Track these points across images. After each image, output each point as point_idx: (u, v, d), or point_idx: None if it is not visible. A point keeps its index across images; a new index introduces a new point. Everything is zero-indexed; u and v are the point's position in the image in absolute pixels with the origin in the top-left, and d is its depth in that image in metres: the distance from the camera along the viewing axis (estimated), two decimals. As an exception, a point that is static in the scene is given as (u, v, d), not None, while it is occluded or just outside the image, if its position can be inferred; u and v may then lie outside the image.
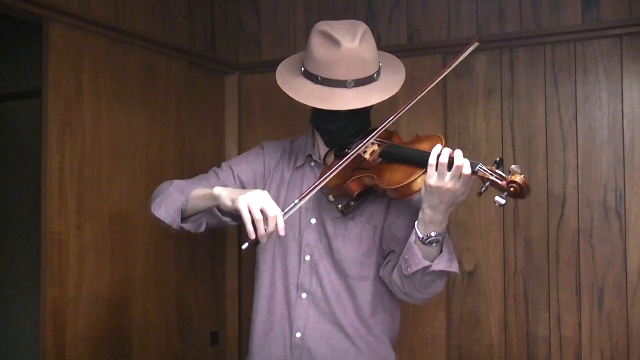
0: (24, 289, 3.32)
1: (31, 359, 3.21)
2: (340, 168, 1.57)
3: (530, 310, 2.39)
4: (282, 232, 1.48)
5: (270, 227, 1.46)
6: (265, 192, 1.52)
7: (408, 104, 1.61)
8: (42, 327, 2.02)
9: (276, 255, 1.76)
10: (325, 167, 1.72)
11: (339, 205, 1.68)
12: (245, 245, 1.48)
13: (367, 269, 1.70)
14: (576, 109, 2.35)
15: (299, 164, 1.81)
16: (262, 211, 1.47)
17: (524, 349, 2.39)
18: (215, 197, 1.61)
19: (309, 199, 1.72)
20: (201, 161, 2.69)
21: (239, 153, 2.83)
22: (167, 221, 1.72)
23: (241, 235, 2.81)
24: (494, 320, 2.44)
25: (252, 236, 1.47)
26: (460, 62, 2.50)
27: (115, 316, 2.25)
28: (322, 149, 1.78)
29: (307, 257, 1.72)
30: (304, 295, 1.71)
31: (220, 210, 1.68)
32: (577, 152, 2.34)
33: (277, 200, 1.77)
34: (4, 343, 3.41)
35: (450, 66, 1.60)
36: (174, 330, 2.50)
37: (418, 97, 1.62)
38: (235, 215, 1.80)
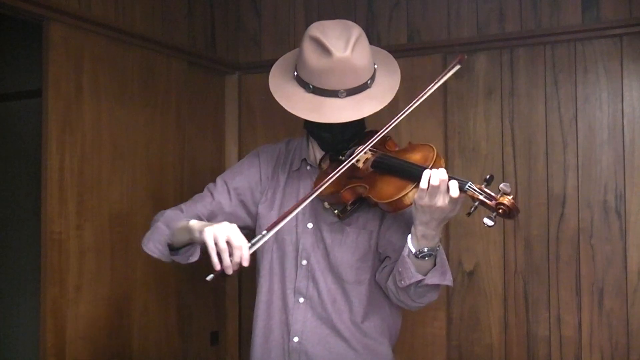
0: (24, 289, 3.32)
1: (31, 359, 3.21)
2: (323, 187, 1.56)
3: (530, 310, 2.39)
4: (245, 263, 1.45)
5: (236, 258, 1.45)
6: (234, 225, 1.50)
7: (395, 120, 1.57)
8: (42, 327, 2.02)
9: (274, 260, 1.75)
10: (321, 172, 1.72)
11: (336, 211, 1.67)
12: (210, 277, 1.47)
13: (363, 274, 1.70)
14: (576, 109, 2.35)
15: (294, 168, 1.80)
16: (228, 242, 1.46)
17: (524, 349, 2.39)
18: (189, 230, 1.61)
19: (304, 206, 1.73)
20: (201, 161, 2.69)
21: (239, 153, 2.83)
22: (156, 256, 1.72)
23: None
24: (494, 320, 2.44)
25: (217, 267, 1.46)
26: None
27: (115, 316, 2.25)
28: (318, 153, 1.77)
29: (304, 262, 1.71)
30: (301, 299, 1.70)
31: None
32: (577, 152, 2.34)
33: (272, 205, 1.77)
34: (4, 343, 3.41)
35: (434, 85, 1.57)
36: (174, 330, 2.50)
37: (400, 117, 1.58)
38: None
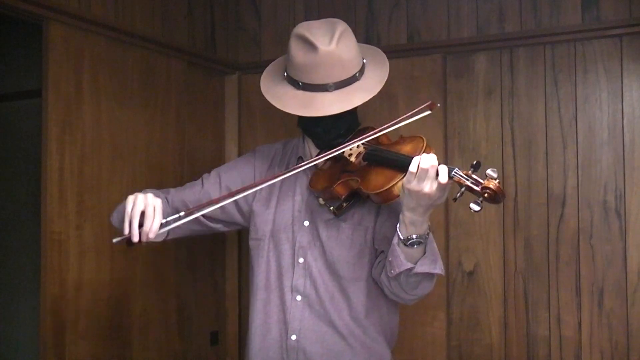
0: (24, 289, 3.32)
1: (31, 359, 3.21)
2: (294, 172, 1.62)
3: (530, 310, 2.39)
4: (151, 235, 1.53)
5: (144, 227, 1.52)
6: (158, 200, 1.57)
7: (385, 128, 1.61)
8: (42, 327, 2.02)
9: (270, 258, 1.76)
10: (316, 169, 1.73)
11: (331, 207, 1.69)
12: (116, 240, 1.55)
13: (360, 270, 1.70)
14: (576, 109, 2.35)
15: (291, 167, 1.81)
16: (142, 212, 1.53)
17: (524, 349, 2.39)
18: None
19: (303, 201, 1.74)
20: (201, 161, 2.69)
21: (239, 153, 2.83)
22: (118, 227, 1.74)
23: (241, 236, 2.81)
24: (494, 320, 2.44)
25: (126, 231, 1.53)
26: (460, 61, 2.52)
27: (115, 316, 2.25)
28: (314, 151, 1.78)
29: (301, 260, 1.72)
30: (298, 297, 1.70)
31: (205, 217, 1.77)
32: (577, 152, 2.34)
33: (269, 203, 1.78)
34: (4, 343, 3.41)
35: (401, 121, 1.60)
36: (174, 330, 2.50)
37: (391, 127, 1.62)
38: (223, 220, 1.84)
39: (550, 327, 2.36)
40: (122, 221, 1.55)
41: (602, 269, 2.29)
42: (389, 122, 1.61)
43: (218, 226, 1.83)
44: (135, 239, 1.52)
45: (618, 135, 2.28)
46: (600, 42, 2.31)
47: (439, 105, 1.61)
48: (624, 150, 2.27)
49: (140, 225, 1.53)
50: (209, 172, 1.89)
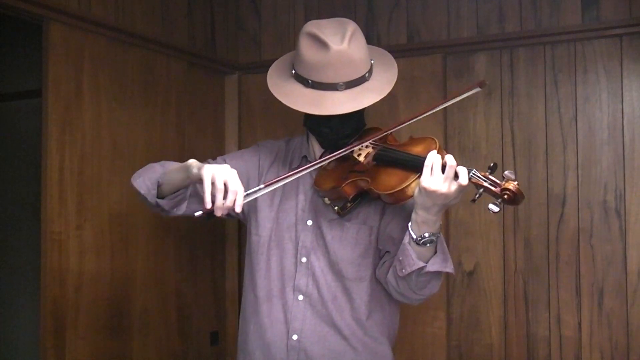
0: (24, 289, 3.32)
1: (31, 359, 3.21)
2: (327, 161, 1.61)
3: (530, 310, 2.39)
4: (237, 209, 1.46)
5: (228, 201, 1.45)
6: (234, 170, 1.50)
7: (399, 125, 1.64)
8: (42, 327, 2.02)
9: (272, 257, 1.75)
10: (321, 169, 1.72)
11: (336, 207, 1.68)
12: (198, 213, 1.48)
13: (364, 270, 1.70)
14: (576, 109, 2.35)
15: (294, 165, 1.80)
16: (225, 184, 1.46)
17: (524, 349, 2.39)
18: (187, 167, 1.59)
19: (306, 200, 1.74)
20: (201, 161, 2.68)
21: (239, 153, 2.83)
22: (142, 191, 1.70)
23: (241, 235, 2.81)
24: (494, 320, 2.44)
25: (208, 206, 1.45)
26: (460, 61, 2.53)
27: (115, 316, 2.25)
28: (318, 150, 1.78)
29: (304, 259, 1.71)
30: (300, 297, 1.70)
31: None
32: (577, 152, 2.34)
33: (272, 201, 1.78)
34: (4, 343, 3.41)
35: (448, 101, 1.63)
36: (174, 330, 2.50)
37: (411, 121, 1.64)
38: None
39: (550, 327, 2.36)
40: (203, 192, 1.47)
41: (602, 269, 2.29)
42: (408, 116, 1.62)
43: None
44: (220, 213, 1.46)
45: (618, 135, 2.28)
46: (600, 42, 2.31)
47: (488, 83, 1.61)
48: (624, 150, 2.27)
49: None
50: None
